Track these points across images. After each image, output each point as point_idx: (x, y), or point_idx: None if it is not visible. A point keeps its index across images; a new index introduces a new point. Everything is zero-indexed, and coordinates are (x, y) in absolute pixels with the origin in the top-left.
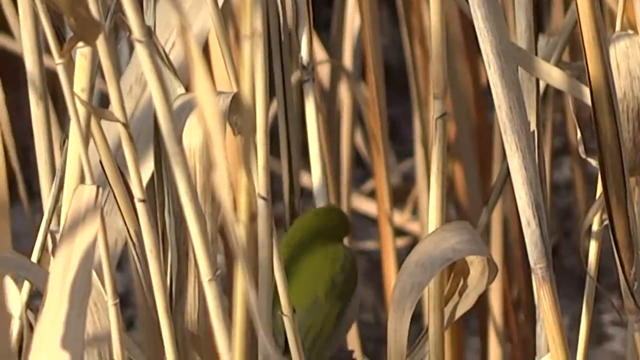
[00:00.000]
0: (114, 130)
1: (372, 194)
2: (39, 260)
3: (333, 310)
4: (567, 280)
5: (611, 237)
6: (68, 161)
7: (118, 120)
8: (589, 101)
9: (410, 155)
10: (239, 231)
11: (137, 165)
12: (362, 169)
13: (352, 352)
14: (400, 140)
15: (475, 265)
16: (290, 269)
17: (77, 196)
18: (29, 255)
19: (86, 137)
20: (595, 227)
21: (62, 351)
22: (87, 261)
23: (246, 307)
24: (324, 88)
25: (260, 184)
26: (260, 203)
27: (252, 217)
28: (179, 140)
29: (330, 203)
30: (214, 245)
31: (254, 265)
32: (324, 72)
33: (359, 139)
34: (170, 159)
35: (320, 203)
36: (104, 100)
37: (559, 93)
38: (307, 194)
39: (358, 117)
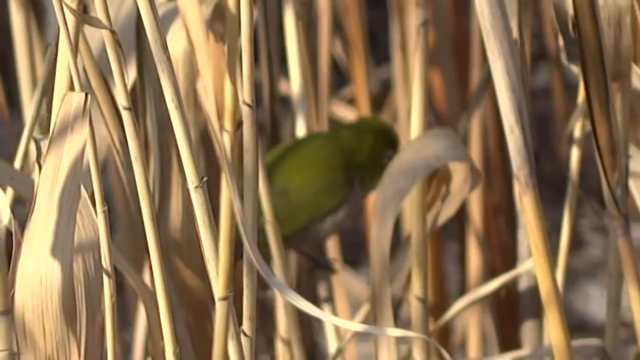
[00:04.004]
0: (96, 38)
1: (350, 101)
2: (21, 168)
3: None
4: (545, 185)
5: (594, 143)
6: (58, 69)
7: (106, 27)
8: (569, 8)
9: (386, 61)
10: (224, 139)
11: (123, 73)
12: (339, 76)
13: (333, 260)
14: (375, 46)
15: (458, 171)
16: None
17: (66, 103)
18: (9, 163)
19: (75, 45)
20: (576, 133)
21: (51, 259)
22: (76, 168)
23: (231, 214)
24: None
25: (245, 91)
26: (245, 110)
27: (237, 125)
28: (165, 49)
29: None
30: (197, 152)
31: (238, 172)
32: None
33: (336, 45)
34: (156, 67)
35: (299, 109)
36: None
37: None
38: (285, 100)
39: (336, 24)
